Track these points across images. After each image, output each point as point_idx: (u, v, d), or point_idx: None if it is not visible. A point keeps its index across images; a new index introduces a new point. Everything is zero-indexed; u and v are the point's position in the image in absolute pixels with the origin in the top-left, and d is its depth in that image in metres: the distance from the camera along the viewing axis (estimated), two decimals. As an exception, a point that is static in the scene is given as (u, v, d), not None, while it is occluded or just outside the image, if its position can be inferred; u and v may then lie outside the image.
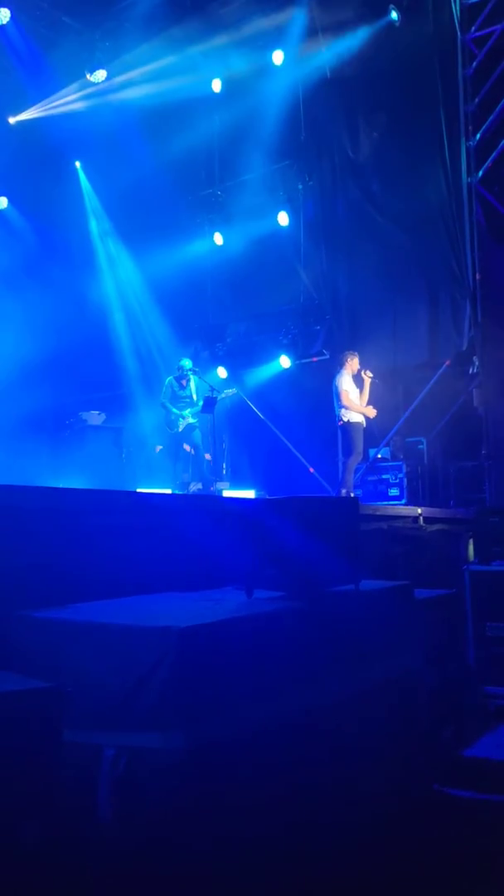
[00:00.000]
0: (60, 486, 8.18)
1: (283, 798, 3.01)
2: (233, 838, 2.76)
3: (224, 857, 2.69)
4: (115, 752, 2.72)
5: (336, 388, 9.34)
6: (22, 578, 3.49)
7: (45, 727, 2.34)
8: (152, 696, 2.79)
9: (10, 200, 12.98)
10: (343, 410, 9.28)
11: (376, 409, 9.57)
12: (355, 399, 9.31)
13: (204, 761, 2.74)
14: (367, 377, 9.42)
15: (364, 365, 9.71)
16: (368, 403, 9.40)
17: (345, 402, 9.25)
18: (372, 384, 9.46)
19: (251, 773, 2.91)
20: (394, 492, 9.73)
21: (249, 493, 9.85)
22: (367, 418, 9.42)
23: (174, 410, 10.18)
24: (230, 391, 10.43)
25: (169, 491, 9.58)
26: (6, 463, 10.65)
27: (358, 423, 9.31)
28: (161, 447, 11.27)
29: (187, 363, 10.37)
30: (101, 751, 2.74)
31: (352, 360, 9.51)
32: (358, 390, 9.39)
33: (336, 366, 9.76)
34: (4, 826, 2.17)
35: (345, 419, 9.32)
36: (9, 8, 10.67)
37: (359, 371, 9.42)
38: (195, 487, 10.03)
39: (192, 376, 10.30)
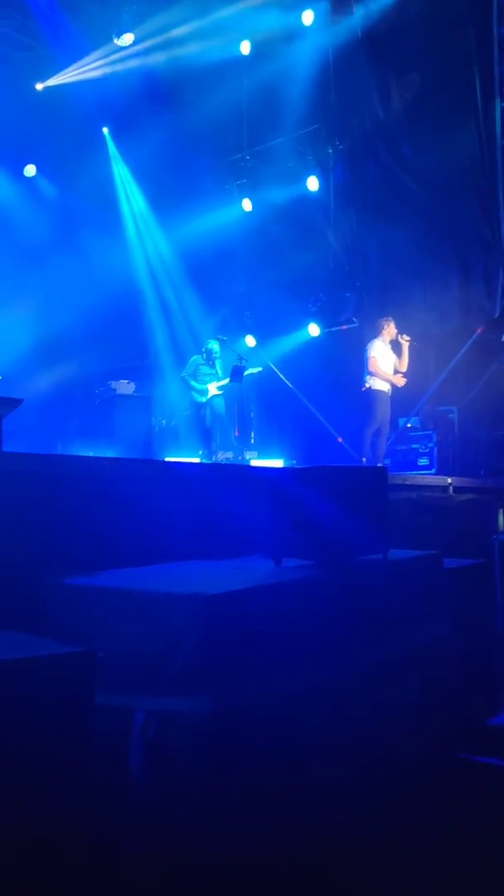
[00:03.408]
0: (90, 454, 8.27)
1: (308, 762, 3.05)
2: (258, 799, 2.81)
3: (250, 817, 2.74)
4: (146, 715, 2.77)
5: (366, 353, 9.22)
6: (53, 546, 3.54)
7: (77, 690, 2.38)
8: (181, 662, 2.83)
9: (39, 168, 12.94)
10: (368, 377, 9.15)
11: (407, 378, 9.44)
12: (383, 366, 9.15)
13: (231, 725, 2.78)
14: (405, 341, 9.23)
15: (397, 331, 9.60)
16: (407, 369, 9.23)
17: (371, 368, 9.11)
18: (410, 348, 9.26)
19: (277, 738, 2.95)
20: (423, 461, 9.68)
21: (277, 463, 9.87)
22: (394, 388, 9.29)
23: (195, 384, 10.17)
24: (256, 369, 10.35)
25: (197, 460, 9.62)
26: (36, 431, 10.75)
27: (380, 392, 9.14)
28: (165, 421, 11.32)
29: (215, 346, 10.32)
30: (132, 714, 2.79)
31: (388, 326, 9.33)
32: (393, 357, 9.22)
33: (369, 333, 9.64)
34: (39, 787, 2.22)
35: (367, 385, 9.18)
36: (34, -28, 10.55)
37: (396, 336, 9.24)
38: (223, 456, 10.05)
39: (218, 358, 10.27)
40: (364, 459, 9.02)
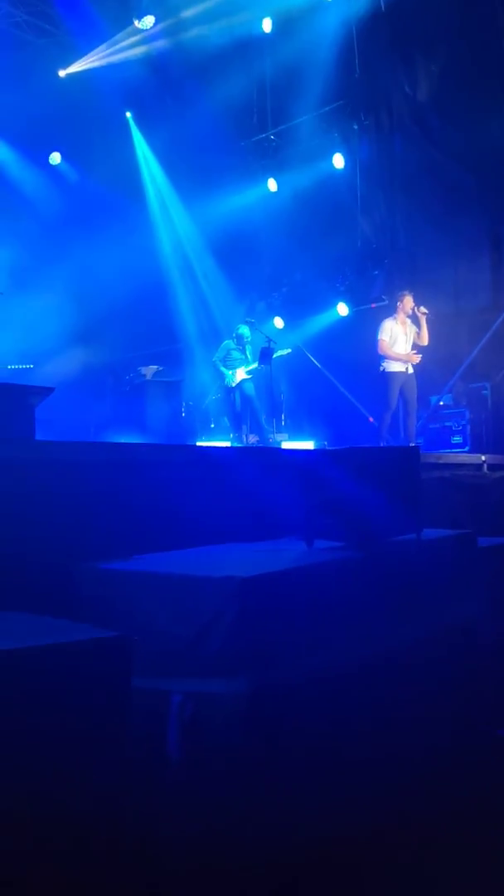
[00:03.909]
0: (121, 440, 8.32)
1: (345, 741, 3.07)
2: (295, 778, 2.83)
3: (287, 795, 2.77)
4: (182, 697, 2.80)
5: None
6: (87, 531, 3.58)
7: (114, 674, 2.41)
8: (216, 644, 2.86)
9: (63, 155, 12.98)
10: (383, 360, 8.94)
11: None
12: (396, 347, 8.87)
13: (267, 705, 2.80)
14: (422, 314, 8.91)
15: (427, 309, 9.44)
16: (429, 342, 8.95)
17: (379, 351, 8.90)
18: (430, 321, 8.97)
19: (313, 717, 2.97)
20: (457, 439, 9.60)
21: (308, 444, 9.85)
22: (423, 365, 9.08)
23: (224, 369, 10.16)
24: (285, 351, 10.29)
25: (227, 444, 9.64)
26: (69, 419, 10.85)
27: (394, 374, 8.87)
28: (192, 402, 11.33)
29: (246, 331, 10.29)
30: (169, 696, 2.82)
31: (402, 302, 9.02)
32: (412, 332, 8.93)
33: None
34: (79, 770, 2.27)
35: (381, 368, 8.97)
36: (54, -43, 10.52)
37: (412, 311, 8.94)
38: (253, 439, 10.07)
39: (248, 342, 10.24)
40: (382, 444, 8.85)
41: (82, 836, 2.23)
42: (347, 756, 3.04)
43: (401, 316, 8.97)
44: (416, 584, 3.71)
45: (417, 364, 8.96)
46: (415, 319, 8.99)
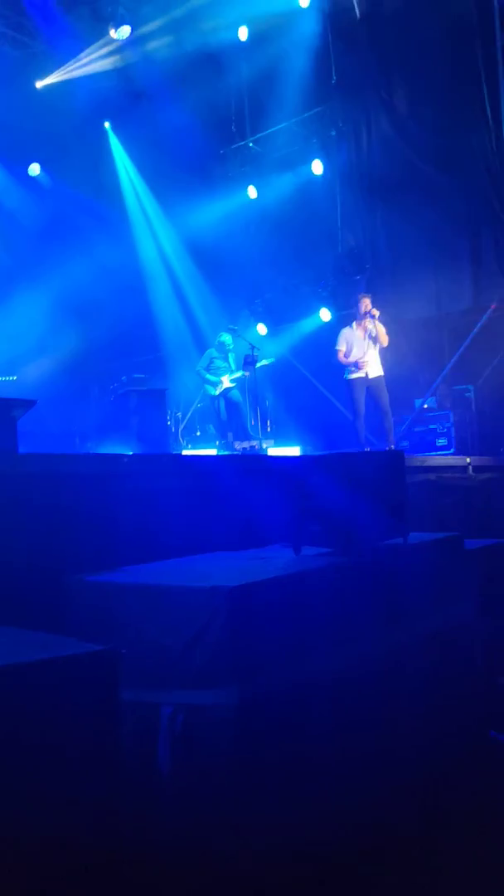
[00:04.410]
0: (107, 450, 8.30)
1: (336, 748, 3.05)
2: (287, 787, 2.82)
3: (279, 806, 2.75)
4: (172, 709, 2.79)
5: None
6: (73, 543, 3.56)
7: (102, 689, 2.39)
8: (205, 655, 2.84)
9: (42, 166, 12.95)
10: (345, 368, 8.90)
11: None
12: (352, 353, 8.79)
13: (257, 715, 2.79)
14: (373, 316, 8.77)
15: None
16: (379, 344, 8.74)
17: (338, 360, 8.89)
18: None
19: (305, 725, 2.96)
20: (442, 441, 9.63)
21: (294, 450, 9.85)
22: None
23: (209, 377, 10.14)
24: (268, 360, 10.28)
25: (213, 452, 9.63)
26: (54, 430, 10.80)
27: (354, 381, 8.81)
28: (180, 413, 11.29)
29: (228, 339, 10.28)
30: (159, 708, 2.80)
31: (359, 304, 8.91)
32: (366, 338, 8.77)
33: (381, 315, 9.48)
34: (68, 785, 2.24)
35: (344, 377, 8.95)
36: (29, -31, 10.51)
37: (366, 314, 8.80)
38: (239, 446, 10.06)
39: (231, 350, 10.23)
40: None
41: (73, 850, 2.21)
42: (339, 763, 3.03)
43: (360, 322, 8.86)
44: (405, 589, 3.71)
45: (375, 366, 8.78)
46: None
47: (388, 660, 3.42)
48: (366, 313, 8.80)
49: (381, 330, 8.77)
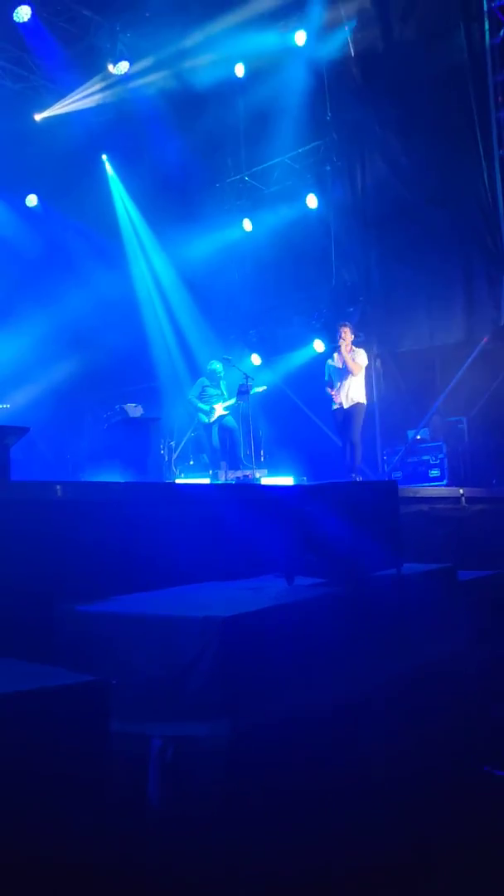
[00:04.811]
0: (101, 478, 8.27)
1: (328, 781, 3.01)
2: (278, 821, 2.77)
3: (270, 840, 2.70)
4: (163, 741, 2.75)
5: None
6: (65, 573, 3.53)
7: (92, 719, 2.36)
8: (197, 686, 2.81)
9: (40, 197, 13.08)
10: None
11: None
12: (332, 386, 8.88)
13: (249, 748, 2.75)
14: (337, 347, 8.87)
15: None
16: (356, 370, 8.72)
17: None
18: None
19: (297, 758, 2.92)
20: (434, 472, 9.64)
21: (288, 480, 9.84)
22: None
23: (201, 405, 10.15)
24: (261, 388, 10.33)
25: (207, 481, 9.61)
26: (47, 458, 10.78)
27: (334, 411, 8.90)
28: (174, 443, 11.27)
29: (218, 366, 10.33)
30: (149, 741, 2.76)
31: (340, 333, 8.94)
32: (343, 370, 8.79)
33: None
34: (57, 817, 2.20)
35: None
36: (29, 5, 10.70)
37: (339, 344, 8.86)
38: (233, 475, 10.04)
39: (222, 378, 10.27)
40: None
41: (59, 880, 2.16)
42: (331, 797, 2.99)
43: (340, 355, 8.86)
44: (398, 619, 3.68)
45: (346, 399, 8.74)
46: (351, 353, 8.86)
47: (382, 691, 3.39)
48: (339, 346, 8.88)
49: (348, 359, 8.76)
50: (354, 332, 9.14)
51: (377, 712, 3.33)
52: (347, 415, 8.77)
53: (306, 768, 2.95)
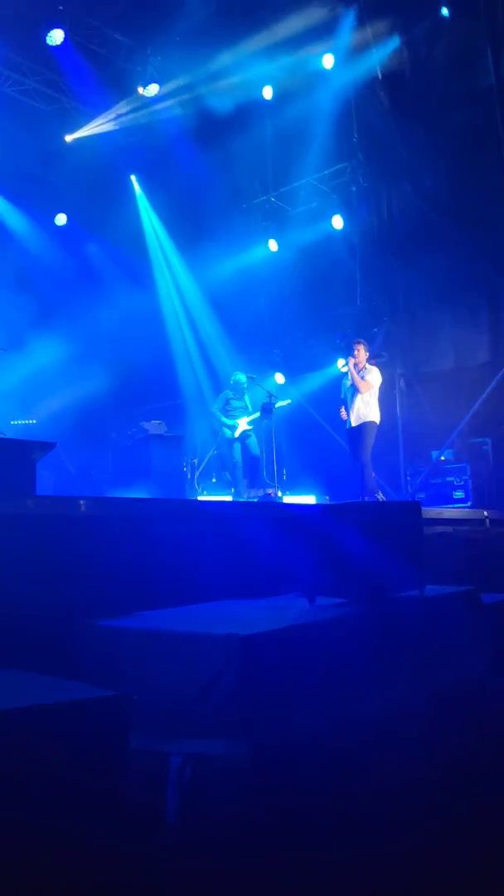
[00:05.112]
0: (123, 494, 8.32)
1: (348, 803, 2.98)
2: (298, 842, 2.75)
3: (286, 860, 2.68)
4: (182, 759, 2.74)
5: None
6: (87, 588, 3.55)
7: (112, 735, 2.36)
8: (217, 704, 2.80)
9: (69, 216, 13.28)
10: None
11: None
12: (345, 405, 8.78)
13: (269, 767, 2.74)
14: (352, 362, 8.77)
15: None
16: (365, 387, 8.56)
17: None
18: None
19: (316, 778, 2.90)
20: (458, 494, 9.59)
21: (310, 499, 9.84)
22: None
23: (225, 420, 10.18)
24: (285, 402, 10.34)
25: (229, 498, 9.62)
26: (72, 474, 10.87)
27: (347, 430, 8.78)
28: (196, 460, 11.28)
29: (242, 377, 10.38)
30: (168, 758, 2.76)
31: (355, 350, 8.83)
32: (354, 390, 8.67)
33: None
34: (76, 831, 2.21)
35: None
36: (62, 28, 10.91)
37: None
38: (255, 493, 10.05)
39: (246, 390, 10.30)
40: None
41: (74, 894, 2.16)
42: (350, 820, 2.96)
43: (351, 368, 8.73)
44: (420, 642, 3.66)
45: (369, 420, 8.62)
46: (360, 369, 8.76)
47: (402, 714, 3.36)
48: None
49: (355, 376, 8.63)
50: (370, 350, 9.06)
51: (398, 735, 3.30)
52: (356, 433, 8.60)
53: (325, 790, 2.92)
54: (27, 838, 2.09)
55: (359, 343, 8.86)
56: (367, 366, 8.75)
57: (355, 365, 8.69)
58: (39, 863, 2.11)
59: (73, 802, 2.21)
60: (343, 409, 8.74)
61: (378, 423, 8.61)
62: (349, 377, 8.74)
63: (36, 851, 2.10)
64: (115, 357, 12.19)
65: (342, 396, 8.86)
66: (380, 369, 8.80)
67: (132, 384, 12.62)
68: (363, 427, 8.54)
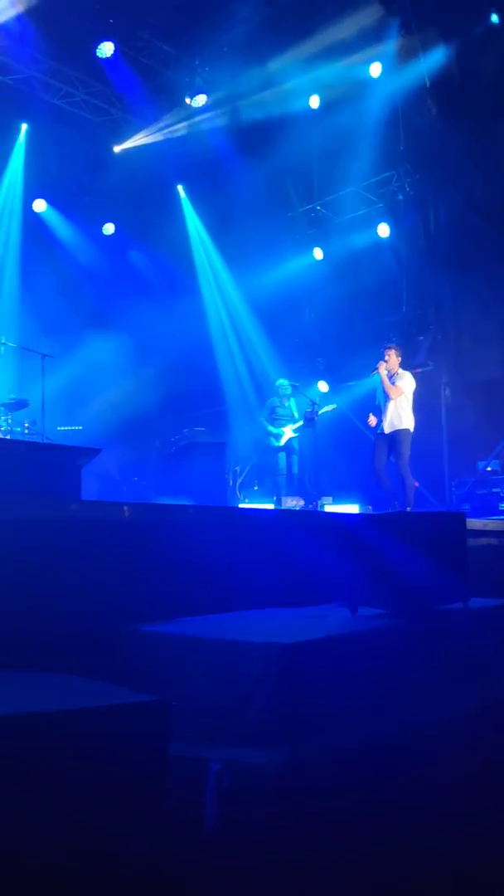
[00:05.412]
0: (165, 501, 8.38)
1: (385, 816, 2.95)
2: (335, 853, 2.72)
3: (323, 872, 2.66)
4: (221, 766, 2.74)
5: None
6: (130, 592, 3.58)
7: (152, 739, 2.37)
8: (256, 712, 2.80)
9: (117, 226, 13.46)
10: None
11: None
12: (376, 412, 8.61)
13: (308, 777, 2.72)
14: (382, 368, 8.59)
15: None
16: (397, 394, 8.37)
17: None
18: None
19: (355, 790, 2.87)
20: (504, 506, 9.44)
21: (353, 508, 9.77)
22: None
23: (271, 428, 10.22)
24: (330, 407, 10.31)
25: (271, 506, 9.62)
26: (116, 480, 10.98)
27: (377, 435, 8.54)
28: (239, 468, 11.28)
29: (285, 383, 10.41)
30: (208, 764, 2.76)
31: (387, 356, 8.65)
32: (386, 397, 8.48)
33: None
34: (115, 834, 2.22)
35: None
36: (112, 41, 11.09)
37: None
38: (297, 503, 10.03)
39: (290, 395, 10.33)
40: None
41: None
42: (388, 834, 2.92)
43: (382, 374, 8.53)
44: (463, 655, 3.60)
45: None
46: (392, 376, 8.58)
47: (443, 728, 3.31)
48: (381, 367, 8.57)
49: (386, 382, 8.44)
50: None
51: (439, 748, 3.25)
52: (389, 441, 8.37)
53: (363, 803, 2.89)
54: (70, 836, 2.11)
55: (390, 348, 8.66)
56: (400, 371, 8.55)
57: (387, 370, 8.52)
58: (78, 865, 2.13)
59: (113, 805, 2.23)
60: (371, 416, 8.56)
61: (412, 430, 8.39)
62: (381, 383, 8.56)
63: (77, 852, 2.12)
64: (159, 364, 12.31)
65: (377, 403, 8.69)
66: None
67: (176, 391, 12.72)
68: (397, 435, 8.33)
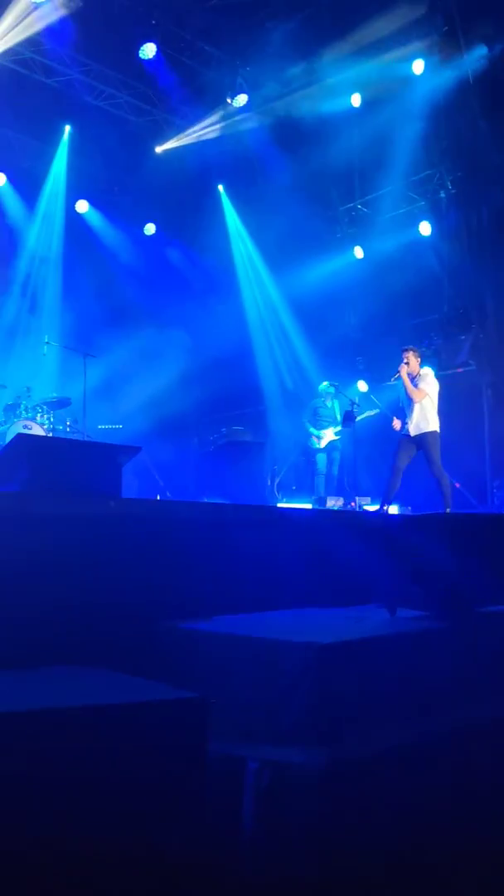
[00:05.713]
0: (204, 500, 8.41)
1: (421, 819, 2.92)
2: (372, 854, 2.70)
3: (360, 871, 2.64)
4: (259, 765, 2.74)
5: None
6: (170, 591, 3.60)
7: (191, 735, 2.39)
8: (295, 711, 2.79)
9: (158, 226, 13.55)
10: None
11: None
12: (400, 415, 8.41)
13: (345, 777, 2.71)
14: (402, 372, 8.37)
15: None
16: (418, 396, 8.20)
17: None
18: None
19: (393, 792, 2.85)
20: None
21: (392, 509, 9.69)
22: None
23: (313, 430, 10.21)
24: (372, 412, 10.20)
25: (309, 506, 9.60)
26: (156, 478, 11.05)
27: (401, 436, 8.33)
28: (277, 467, 11.26)
29: (325, 385, 10.41)
30: (246, 763, 2.76)
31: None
32: (409, 399, 8.29)
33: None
34: (151, 833, 2.23)
35: None
36: (154, 42, 11.15)
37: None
38: (336, 503, 9.99)
39: (332, 396, 10.30)
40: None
41: (150, 889, 2.19)
42: (424, 835, 2.89)
43: (403, 377, 8.33)
44: (505, 658, 3.55)
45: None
46: (413, 378, 8.39)
47: (486, 731, 3.27)
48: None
49: (408, 385, 8.24)
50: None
51: (479, 752, 3.21)
52: (417, 444, 8.18)
53: (400, 804, 2.87)
54: (110, 829, 2.13)
55: (408, 350, 8.46)
56: (421, 373, 8.36)
57: (408, 373, 8.31)
58: (119, 855, 2.15)
59: (151, 799, 2.24)
60: (396, 419, 8.39)
61: (438, 432, 8.20)
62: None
63: (116, 844, 2.14)
64: (199, 363, 12.36)
65: (400, 405, 8.51)
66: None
67: (216, 390, 12.75)
68: (424, 438, 8.13)
